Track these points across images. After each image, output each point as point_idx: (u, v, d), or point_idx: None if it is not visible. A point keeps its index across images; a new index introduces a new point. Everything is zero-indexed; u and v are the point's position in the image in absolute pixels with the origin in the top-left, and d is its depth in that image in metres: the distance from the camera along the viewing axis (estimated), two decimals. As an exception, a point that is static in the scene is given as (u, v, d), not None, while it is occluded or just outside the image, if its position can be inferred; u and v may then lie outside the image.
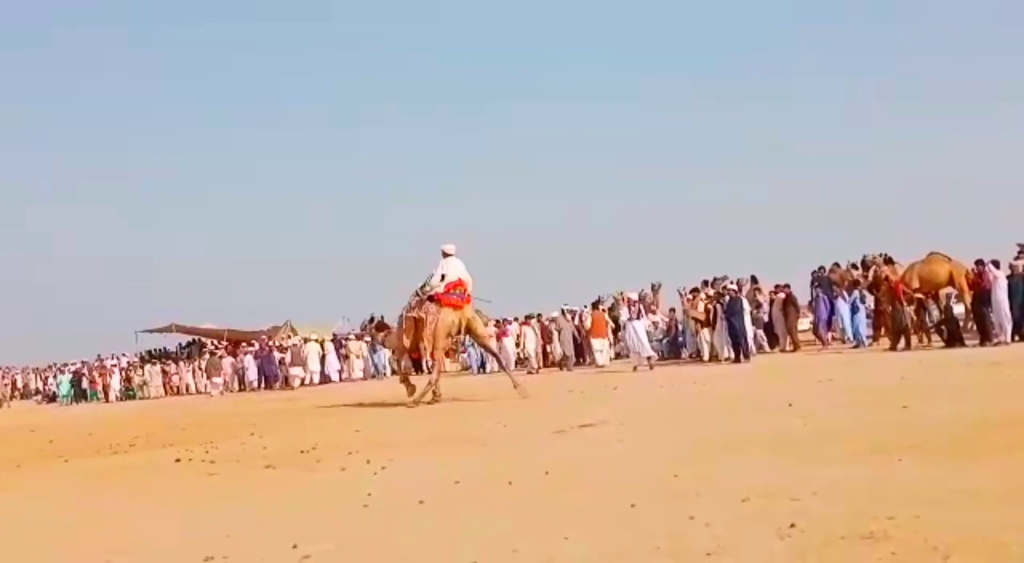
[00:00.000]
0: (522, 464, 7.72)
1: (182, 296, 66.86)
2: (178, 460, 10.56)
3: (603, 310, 26.75)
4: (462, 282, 16.55)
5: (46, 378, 47.66)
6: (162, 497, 7.99)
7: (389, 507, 6.32)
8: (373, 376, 34.16)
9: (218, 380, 35.85)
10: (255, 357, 36.56)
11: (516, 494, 6.44)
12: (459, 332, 16.86)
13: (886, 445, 7.08)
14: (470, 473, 7.47)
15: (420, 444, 10.16)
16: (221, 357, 37.56)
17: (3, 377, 51.99)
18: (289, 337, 38.59)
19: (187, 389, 38.85)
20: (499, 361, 20.32)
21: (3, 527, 7.21)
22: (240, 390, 35.69)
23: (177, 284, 61.66)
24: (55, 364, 48.65)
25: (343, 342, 36.26)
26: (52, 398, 44.09)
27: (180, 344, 45.78)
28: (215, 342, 42.48)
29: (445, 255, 16.66)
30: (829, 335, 23.46)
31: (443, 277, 16.45)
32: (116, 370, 42.02)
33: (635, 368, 21.33)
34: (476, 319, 17.40)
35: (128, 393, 40.08)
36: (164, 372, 40.19)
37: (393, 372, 28.40)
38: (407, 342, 16.93)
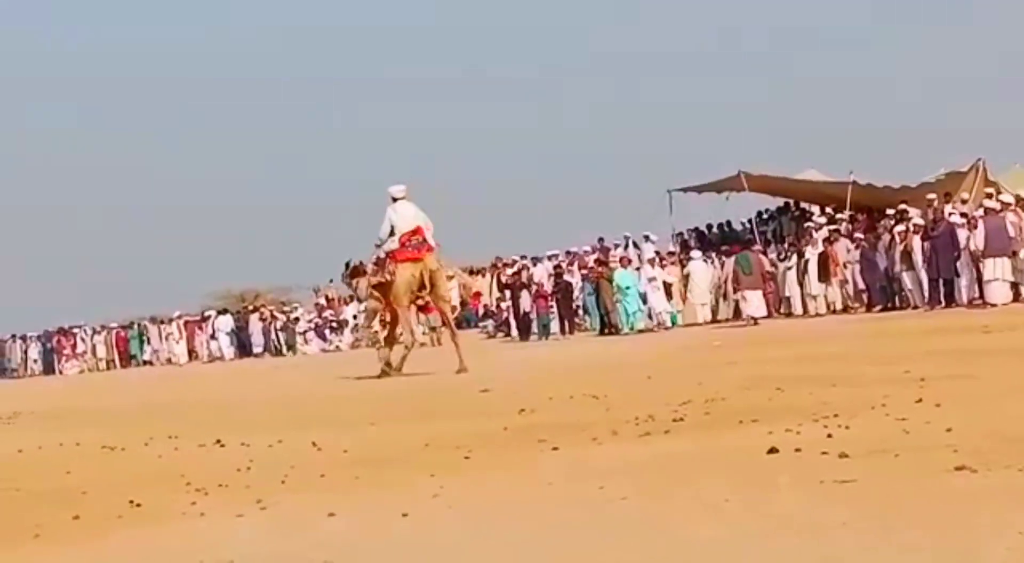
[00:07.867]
0: None
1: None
2: (773, 450, 5.51)
3: None
4: (419, 229, 14.64)
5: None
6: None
7: None
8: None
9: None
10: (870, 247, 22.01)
11: None
12: (421, 288, 14.73)
13: None
14: None
15: None
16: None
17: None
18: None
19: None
20: (450, 331, 16.43)
21: None
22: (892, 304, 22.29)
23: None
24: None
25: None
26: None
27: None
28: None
29: (394, 200, 14.74)
30: None
31: (392, 230, 14.61)
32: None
33: None
34: (440, 272, 15.16)
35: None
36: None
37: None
38: (387, 314, 15.59)
